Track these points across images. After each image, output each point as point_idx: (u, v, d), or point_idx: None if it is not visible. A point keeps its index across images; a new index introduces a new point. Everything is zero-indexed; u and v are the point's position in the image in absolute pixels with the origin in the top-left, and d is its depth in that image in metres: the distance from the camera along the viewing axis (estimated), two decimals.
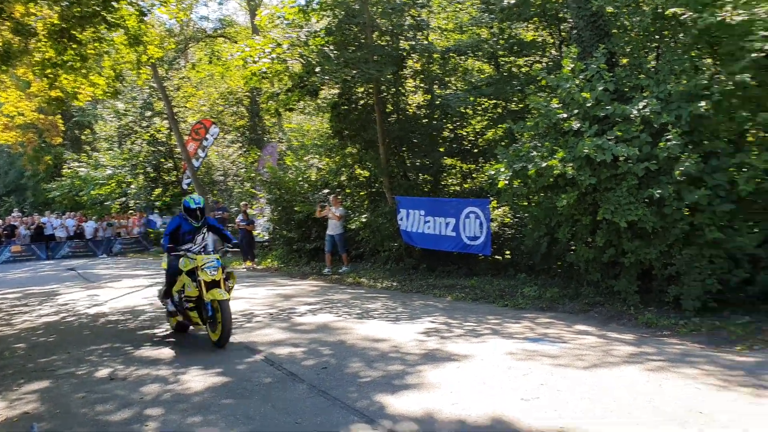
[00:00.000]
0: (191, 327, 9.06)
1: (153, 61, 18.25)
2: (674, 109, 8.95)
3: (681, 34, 9.70)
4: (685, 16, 8.99)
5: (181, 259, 8.49)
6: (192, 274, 8.33)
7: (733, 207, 8.50)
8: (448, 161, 16.16)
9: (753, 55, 8.34)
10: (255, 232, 20.06)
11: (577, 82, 9.83)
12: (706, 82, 8.86)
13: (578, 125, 9.59)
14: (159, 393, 6.35)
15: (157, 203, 30.66)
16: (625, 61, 10.35)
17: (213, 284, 8.17)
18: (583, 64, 9.95)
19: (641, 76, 9.74)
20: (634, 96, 9.52)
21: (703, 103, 8.66)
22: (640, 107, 9.15)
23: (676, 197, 8.69)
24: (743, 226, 8.59)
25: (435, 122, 16.04)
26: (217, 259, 8.31)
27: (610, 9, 10.52)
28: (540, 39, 14.88)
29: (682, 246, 8.94)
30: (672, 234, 8.88)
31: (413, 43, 15.19)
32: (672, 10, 9.12)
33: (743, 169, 8.49)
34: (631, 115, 9.18)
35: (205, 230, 8.94)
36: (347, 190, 17.49)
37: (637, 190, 8.99)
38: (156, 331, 9.66)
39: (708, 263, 8.67)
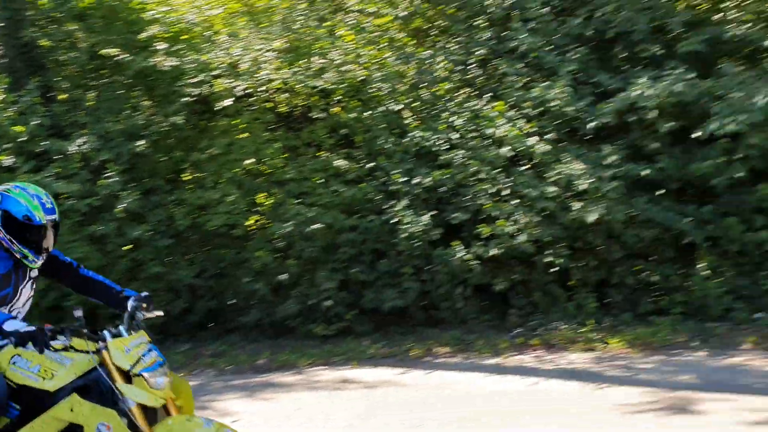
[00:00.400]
0: None
1: None
2: (114, 146, 9.12)
3: (119, 75, 9.96)
4: (119, 57, 9.28)
5: (21, 363, 3.34)
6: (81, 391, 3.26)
7: (173, 241, 9.08)
8: None
9: (184, 99, 9.17)
10: None
11: (10, 114, 9.14)
12: (143, 122, 9.33)
13: (12, 160, 8.89)
14: None
15: None
16: (63, 96, 10.06)
17: (159, 412, 3.32)
18: (15, 96, 9.29)
19: (80, 113, 9.63)
20: (73, 132, 9.32)
21: (142, 142, 9.08)
22: (80, 144, 9.03)
23: (118, 233, 8.81)
24: (181, 260, 9.22)
25: None
26: (150, 342, 3.49)
27: (45, 42, 10.09)
28: None
29: (129, 281, 9.02)
30: (116, 270, 8.89)
31: None
32: (107, 50, 9.31)
33: (180, 206, 9.15)
34: (70, 152, 8.96)
35: (35, 275, 3.82)
36: None
37: (80, 227, 8.78)
38: None
39: (155, 296, 8.97)
